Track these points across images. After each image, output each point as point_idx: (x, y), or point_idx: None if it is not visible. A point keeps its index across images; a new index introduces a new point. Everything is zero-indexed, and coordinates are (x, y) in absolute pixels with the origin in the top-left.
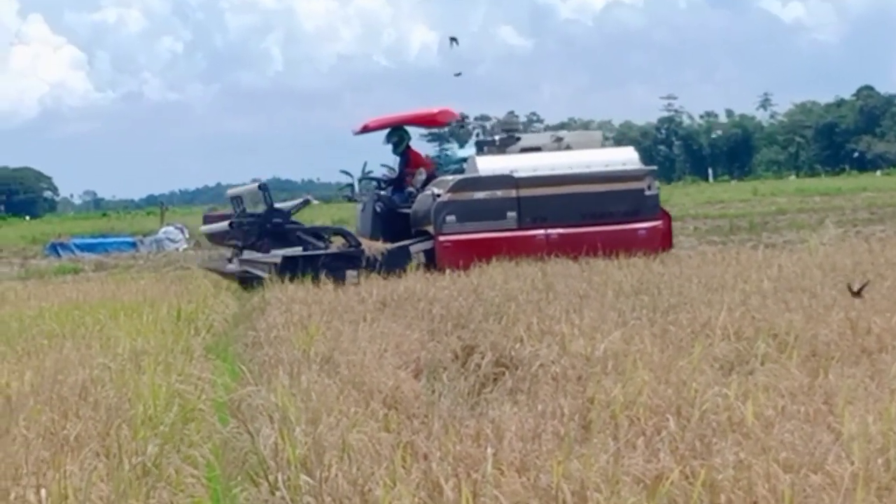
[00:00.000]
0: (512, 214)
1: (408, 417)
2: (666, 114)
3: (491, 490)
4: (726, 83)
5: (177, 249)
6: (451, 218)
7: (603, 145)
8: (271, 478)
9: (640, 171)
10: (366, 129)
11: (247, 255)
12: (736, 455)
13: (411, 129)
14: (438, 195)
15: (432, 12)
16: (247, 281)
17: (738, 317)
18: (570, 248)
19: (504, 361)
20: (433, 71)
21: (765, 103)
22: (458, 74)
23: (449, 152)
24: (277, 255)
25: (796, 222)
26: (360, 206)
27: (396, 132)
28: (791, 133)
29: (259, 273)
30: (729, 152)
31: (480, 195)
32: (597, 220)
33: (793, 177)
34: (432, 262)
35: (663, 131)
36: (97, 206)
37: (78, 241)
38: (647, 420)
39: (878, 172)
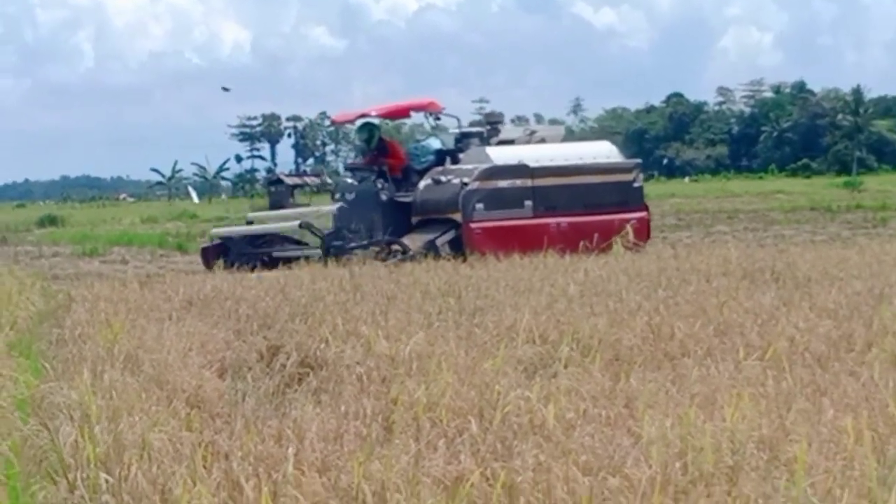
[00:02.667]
0: (528, 203)
1: (210, 417)
2: (477, 117)
3: (291, 490)
4: (538, 88)
5: None
6: (479, 206)
7: (564, 139)
8: (70, 476)
9: (629, 163)
10: (364, 116)
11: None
12: (536, 457)
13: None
14: (465, 183)
15: (244, 10)
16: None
17: (543, 320)
18: (576, 236)
19: (309, 362)
20: (246, 69)
21: (576, 108)
22: (227, 90)
23: (423, 143)
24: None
25: None
26: (347, 197)
27: (366, 127)
28: (601, 138)
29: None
30: None
31: (503, 184)
32: (595, 210)
33: None
34: (457, 251)
35: None
36: None
37: None
38: (450, 422)
39: (687, 179)
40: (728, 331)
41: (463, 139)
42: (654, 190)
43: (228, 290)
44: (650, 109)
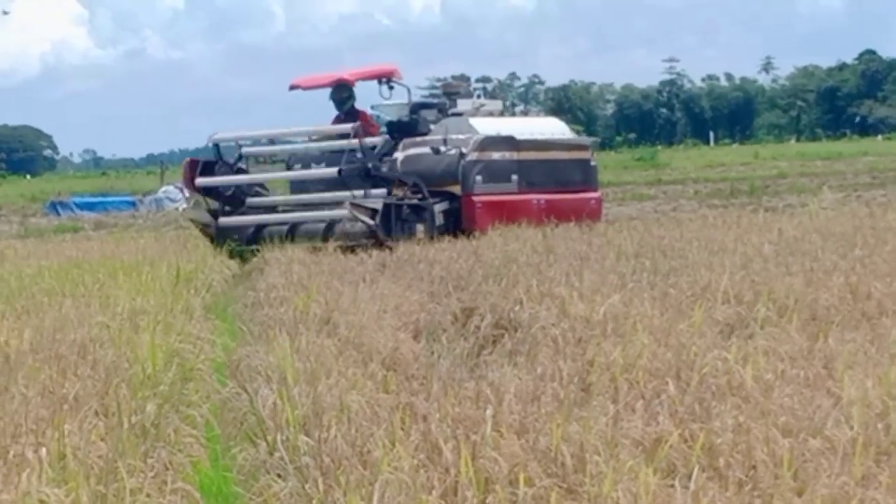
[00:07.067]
0: (515, 178)
1: (407, 379)
2: (668, 77)
3: (490, 452)
4: (728, 46)
5: (176, 209)
6: (479, 178)
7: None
8: (270, 438)
9: (589, 141)
10: (341, 81)
11: None
12: (735, 419)
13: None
14: (464, 154)
15: None
16: None
17: (738, 280)
18: (551, 214)
19: (503, 324)
20: (435, 30)
21: (766, 67)
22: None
23: (379, 113)
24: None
25: (797, 186)
26: (317, 164)
27: (346, 88)
28: (792, 97)
29: None
30: (730, 115)
31: (496, 156)
32: (564, 187)
33: (794, 141)
34: (451, 224)
35: (665, 94)
36: (97, 164)
37: (78, 199)
38: (647, 383)
39: (880, 137)
40: None
41: (418, 110)
42: (848, 148)
43: (421, 252)
44: (842, 67)
